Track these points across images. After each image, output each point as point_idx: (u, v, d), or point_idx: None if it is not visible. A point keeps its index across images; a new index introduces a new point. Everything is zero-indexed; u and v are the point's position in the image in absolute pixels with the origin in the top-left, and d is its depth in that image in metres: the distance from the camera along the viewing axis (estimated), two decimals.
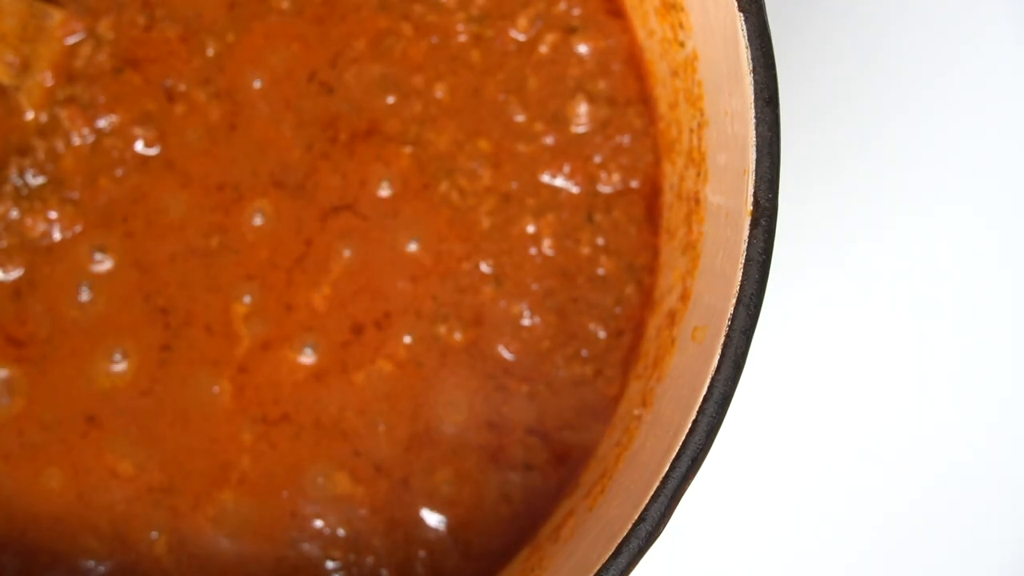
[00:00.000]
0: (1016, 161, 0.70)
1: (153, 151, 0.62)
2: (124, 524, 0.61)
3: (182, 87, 0.62)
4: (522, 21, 0.63)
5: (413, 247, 0.62)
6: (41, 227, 0.61)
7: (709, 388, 0.47)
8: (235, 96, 0.62)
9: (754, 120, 0.47)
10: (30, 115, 0.62)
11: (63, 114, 0.62)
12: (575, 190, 0.62)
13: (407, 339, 0.61)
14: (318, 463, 0.61)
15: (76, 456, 0.61)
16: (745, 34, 0.47)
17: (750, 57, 0.47)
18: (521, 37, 0.63)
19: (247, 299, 0.62)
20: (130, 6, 0.63)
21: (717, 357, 0.47)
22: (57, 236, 0.62)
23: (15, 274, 0.61)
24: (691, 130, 0.56)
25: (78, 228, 0.62)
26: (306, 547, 0.61)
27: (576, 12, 0.62)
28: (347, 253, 0.62)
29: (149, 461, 0.61)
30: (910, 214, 0.70)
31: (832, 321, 0.70)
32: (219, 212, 0.62)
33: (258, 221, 0.62)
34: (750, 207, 0.47)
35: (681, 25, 0.55)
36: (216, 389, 0.61)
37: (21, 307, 0.62)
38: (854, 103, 0.70)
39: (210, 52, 0.63)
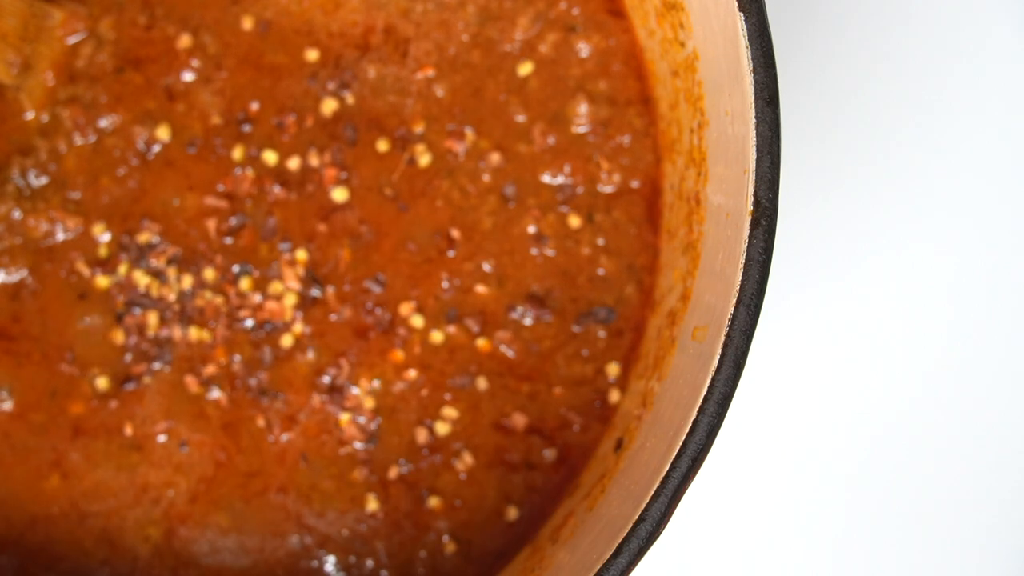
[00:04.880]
0: (1016, 160, 0.70)
1: (155, 150, 0.62)
2: (119, 526, 0.61)
3: (182, 86, 0.62)
4: (523, 21, 0.63)
5: (415, 247, 0.62)
6: (44, 227, 0.61)
7: (709, 388, 0.47)
8: (236, 95, 0.62)
9: (754, 120, 0.47)
10: (31, 115, 0.62)
11: (65, 114, 0.62)
12: (575, 190, 0.62)
13: (410, 340, 0.61)
14: (324, 467, 0.61)
15: (65, 458, 0.61)
16: (745, 34, 0.47)
17: (750, 57, 0.47)
18: (521, 37, 0.63)
19: None
20: (130, 6, 0.63)
21: (717, 357, 0.47)
22: (60, 236, 0.62)
23: (18, 275, 0.62)
24: (691, 130, 0.56)
25: (80, 228, 0.62)
26: (306, 548, 0.61)
27: (576, 12, 0.62)
28: (349, 253, 0.62)
29: (141, 464, 0.61)
30: (910, 214, 0.70)
31: (832, 321, 0.70)
32: (220, 213, 0.62)
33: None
34: (750, 207, 0.47)
35: (681, 25, 0.55)
36: (215, 394, 0.61)
37: (18, 305, 0.62)
38: (854, 104, 0.70)
39: (211, 50, 0.63)
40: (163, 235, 0.62)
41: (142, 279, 0.61)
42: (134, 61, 0.62)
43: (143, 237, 0.61)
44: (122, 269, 0.61)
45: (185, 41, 0.62)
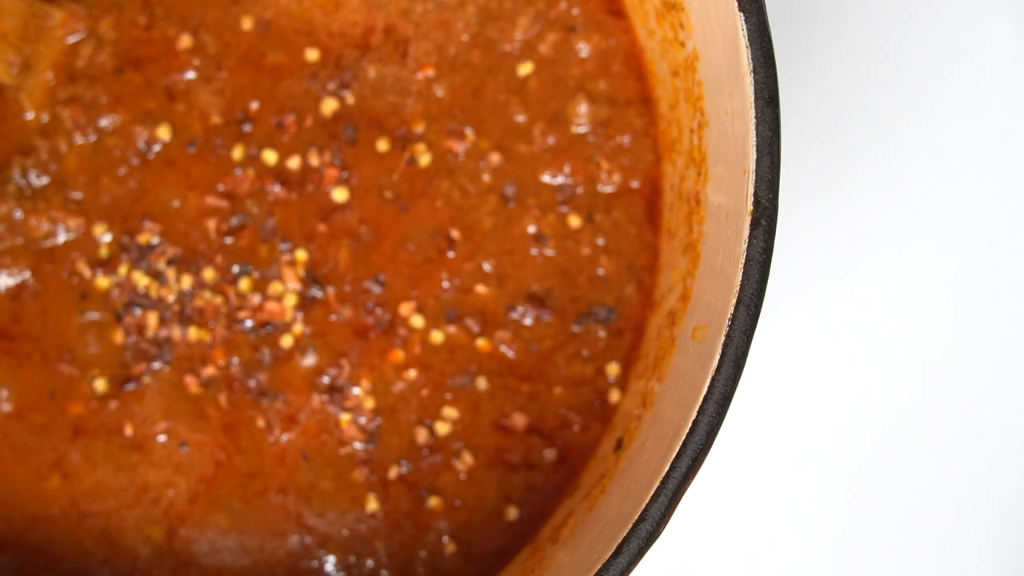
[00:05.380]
0: (1016, 160, 0.70)
1: (156, 149, 0.62)
2: (119, 526, 0.61)
3: (183, 85, 0.62)
4: (523, 21, 0.63)
5: (415, 247, 0.62)
6: (45, 227, 0.61)
7: (709, 388, 0.47)
8: (236, 95, 0.62)
9: (754, 120, 0.47)
10: (31, 115, 0.62)
11: (65, 113, 0.62)
12: (575, 190, 0.62)
13: (410, 340, 0.61)
14: (324, 467, 0.61)
15: (65, 458, 0.61)
16: (745, 34, 0.47)
17: (750, 57, 0.47)
18: (522, 37, 0.63)
19: None
20: (130, 6, 0.63)
21: (717, 357, 0.47)
22: (61, 237, 0.62)
23: (20, 277, 0.61)
24: (691, 130, 0.56)
25: (81, 228, 0.62)
26: (306, 548, 0.61)
27: (576, 12, 0.62)
28: (348, 253, 0.62)
29: (142, 464, 0.61)
30: (910, 214, 0.70)
31: (832, 321, 0.70)
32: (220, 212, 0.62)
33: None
34: (750, 207, 0.47)
35: (681, 25, 0.55)
36: (215, 394, 0.61)
37: (19, 306, 0.62)
38: (854, 104, 0.70)
39: (211, 50, 0.63)
40: (163, 235, 0.62)
41: (142, 279, 0.61)
42: (134, 61, 0.62)
43: (143, 238, 0.61)
44: (122, 269, 0.61)
45: (185, 41, 0.62)
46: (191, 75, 0.63)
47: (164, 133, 0.62)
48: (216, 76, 0.62)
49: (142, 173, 0.62)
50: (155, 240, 0.61)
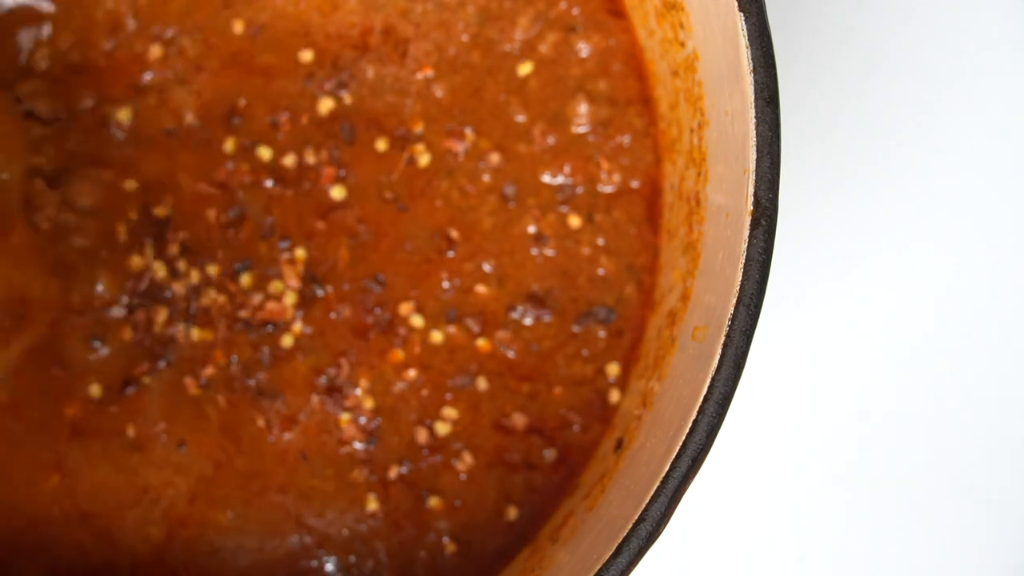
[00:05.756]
0: (1016, 160, 0.70)
1: (149, 140, 0.62)
2: (119, 526, 0.61)
3: (154, 84, 0.62)
4: (523, 21, 0.63)
5: (414, 247, 0.62)
6: (80, 244, 0.61)
7: (709, 388, 0.47)
8: (217, 96, 0.62)
9: (754, 120, 0.47)
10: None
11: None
12: (575, 190, 0.62)
13: (410, 340, 0.61)
14: (324, 467, 0.61)
15: (65, 458, 0.61)
16: (745, 34, 0.47)
17: (750, 57, 0.47)
18: (522, 37, 0.63)
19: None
20: (101, 25, 0.62)
21: (717, 357, 0.47)
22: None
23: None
24: (691, 130, 0.56)
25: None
26: (306, 548, 0.61)
27: (576, 12, 0.62)
28: (348, 251, 0.62)
29: (142, 464, 0.61)
30: (911, 214, 0.70)
31: (832, 321, 0.70)
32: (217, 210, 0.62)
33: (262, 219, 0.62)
34: (750, 207, 0.47)
35: (681, 25, 0.55)
36: (214, 395, 0.61)
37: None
38: (854, 104, 0.70)
39: (190, 54, 0.62)
40: (174, 210, 0.61)
41: (160, 269, 0.61)
42: (94, 72, 0.62)
43: (159, 211, 0.61)
44: (148, 251, 0.61)
45: (156, 51, 0.62)
46: (160, 75, 0.62)
47: (124, 116, 0.62)
48: (195, 79, 0.62)
49: (139, 165, 0.62)
50: (168, 212, 0.61)
